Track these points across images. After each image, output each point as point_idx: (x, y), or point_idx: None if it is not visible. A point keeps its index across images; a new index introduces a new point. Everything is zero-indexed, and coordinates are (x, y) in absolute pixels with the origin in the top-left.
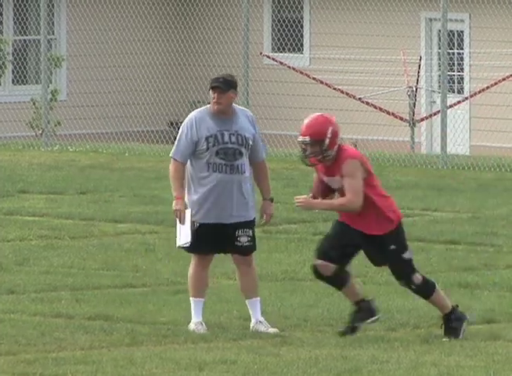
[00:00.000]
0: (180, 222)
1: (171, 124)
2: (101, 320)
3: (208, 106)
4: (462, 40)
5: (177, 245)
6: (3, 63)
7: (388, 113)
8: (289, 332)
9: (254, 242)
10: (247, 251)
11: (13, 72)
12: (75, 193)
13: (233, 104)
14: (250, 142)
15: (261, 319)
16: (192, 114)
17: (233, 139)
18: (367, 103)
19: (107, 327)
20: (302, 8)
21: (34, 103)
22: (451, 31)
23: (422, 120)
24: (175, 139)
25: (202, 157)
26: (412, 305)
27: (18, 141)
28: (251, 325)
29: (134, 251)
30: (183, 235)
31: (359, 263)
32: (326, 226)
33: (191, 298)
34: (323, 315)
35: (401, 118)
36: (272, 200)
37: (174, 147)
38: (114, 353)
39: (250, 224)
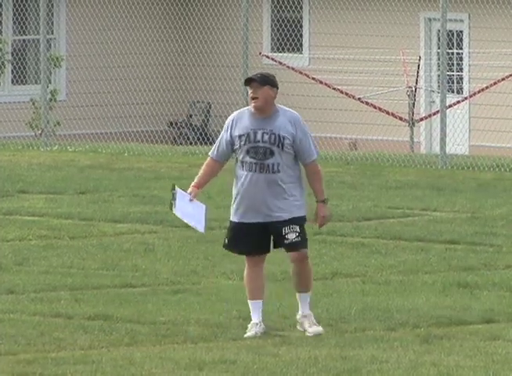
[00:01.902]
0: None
1: (171, 124)
2: (100, 320)
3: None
4: (461, 40)
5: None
6: (2, 62)
7: (388, 113)
8: (288, 332)
9: (303, 238)
10: (297, 246)
11: (13, 72)
12: (74, 193)
13: (279, 105)
14: (288, 142)
15: (308, 313)
16: (233, 114)
17: (266, 137)
18: (366, 103)
19: (107, 327)
20: (301, 8)
21: (33, 103)
22: (450, 31)
23: (421, 120)
24: (174, 139)
25: (237, 156)
26: (412, 304)
27: (17, 141)
28: (297, 317)
29: (133, 250)
30: (193, 218)
31: (359, 263)
32: (326, 226)
33: (248, 301)
34: (322, 315)
35: (400, 118)
36: (324, 201)
37: (215, 145)
38: (114, 353)
39: (296, 221)
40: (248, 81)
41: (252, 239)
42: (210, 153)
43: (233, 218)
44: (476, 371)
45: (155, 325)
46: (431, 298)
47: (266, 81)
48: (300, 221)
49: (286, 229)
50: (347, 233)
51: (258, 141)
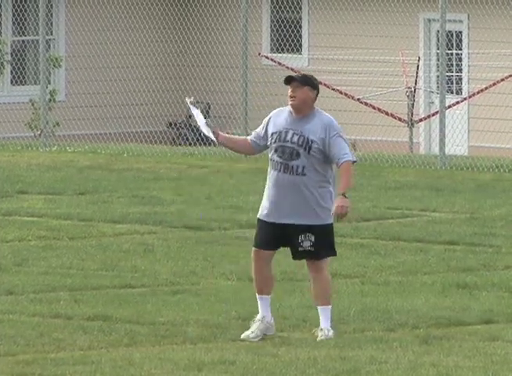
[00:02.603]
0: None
1: (170, 124)
2: (100, 321)
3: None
4: (460, 41)
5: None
6: (2, 63)
7: (387, 113)
8: (288, 333)
9: (320, 248)
10: (311, 256)
11: (12, 73)
12: (74, 194)
13: (319, 109)
14: (315, 146)
15: (324, 327)
16: (273, 111)
17: (295, 138)
18: (366, 104)
19: (106, 328)
20: (301, 8)
21: (32, 104)
22: (449, 32)
23: (420, 120)
24: (174, 139)
25: (269, 153)
26: (411, 305)
27: (17, 142)
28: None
29: (132, 251)
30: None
31: (358, 264)
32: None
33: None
34: None
35: (399, 119)
36: (343, 194)
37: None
38: (113, 354)
39: (315, 229)
40: (288, 80)
41: (266, 234)
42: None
43: (258, 214)
44: (475, 372)
45: (154, 326)
46: (430, 298)
47: (307, 82)
48: (321, 228)
49: (302, 237)
50: (347, 234)
51: (287, 141)
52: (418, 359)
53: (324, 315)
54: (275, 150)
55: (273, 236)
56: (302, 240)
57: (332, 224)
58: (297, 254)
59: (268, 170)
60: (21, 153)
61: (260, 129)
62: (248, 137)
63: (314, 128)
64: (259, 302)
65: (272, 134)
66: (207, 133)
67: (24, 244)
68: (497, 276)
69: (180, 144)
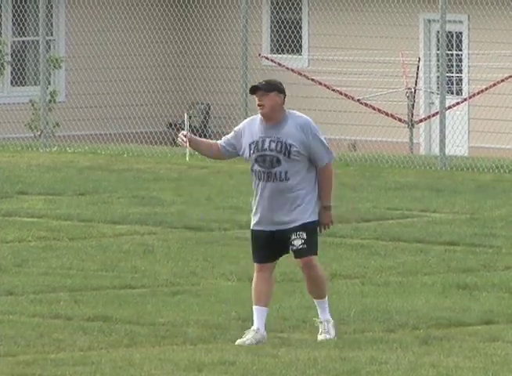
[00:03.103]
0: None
1: (170, 125)
2: (100, 321)
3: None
4: (460, 41)
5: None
6: (2, 64)
7: (387, 114)
8: (288, 333)
9: (310, 245)
10: (302, 253)
11: (12, 73)
12: (74, 195)
13: (290, 111)
14: (295, 149)
15: (325, 318)
16: (244, 121)
17: (273, 145)
18: (366, 105)
19: (106, 328)
20: (301, 9)
21: (32, 105)
22: (449, 33)
23: (421, 121)
24: (174, 140)
25: (250, 164)
26: (411, 306)
27: (17, 142)
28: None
29: (132, 252)
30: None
31: (358, 264)
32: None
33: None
34: None
35: (399, 119)
36: (327, 207)
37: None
38: (113, 354)
39: (305, 227)
40: (253, 90)
41: (263, 246)
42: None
43: (251, 225)
44: (475, 372)
45: (154, 326)
46: (431, 299)
47: (272, 88)
48: (310, 226)
49: (293, 235)
50: (347, 235)
51: (265, 149)
52: (418, 360)
53: (322, 307)
54: (256, 160)
55: (268, 246)
56: (294, 238)
57: (316, 221)
58: (292, 253)
59: (252, 181)
60: (21, 153)
61: (231, 137)
62: (218, 142)
63: (290, 132)
64: (255, 313)
65: (249, 144)
66: (179, 141)
67: (24, 244)
68: (497, 277)
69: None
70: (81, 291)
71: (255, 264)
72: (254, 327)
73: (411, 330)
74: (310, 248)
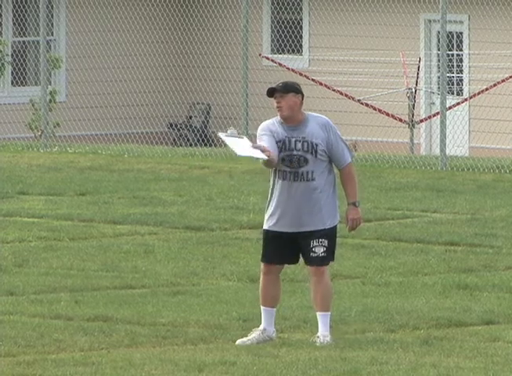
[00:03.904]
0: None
1: (171, 125)
2: (100, 322)
3: (277, 116)
4: (461, 41)
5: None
6: (2, 64)
7: (387, 114)
8: (288, 334)
9: (329, 252)
10: (323, 261)
11: (12, 73)
12: (74, 195)
13: (307, 112)
14: (321, 148)
15: (324, 334)
16: (262, 124)
17: (299, 145)
18: (366, 105)
19: (106, 329)
20: (301, 9)
21: (33, 105)
22: (450, 33)
23: (421, 121)
24: (174, 140)
25: None
26: (412, 306)
27: (17, 142)
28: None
29: (133, 252)
30: (242, 147)
31: (359, 264)
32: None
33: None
34: None
35: (400, 120)
36: (355, 204)
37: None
38: (113, 355)
39: (327, 232)
40: (271, 92)
41: (277, 248)
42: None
43: (265, 225)
44: (476, 373)
45: (155, 326)
46: (431, 299)
47: (289, 89)
48: (331, 232)
49: (314, 242)
50: (347, 235)
51: (293, 149)
52: (419, 360)
53: (323, 321)
54: (283, 160)
55: (284, 247)
56: (315, 245)
57: (337, 226)
58: (307, 260)
59: (273, 180)
60: (22, 153)
61: (268, 139)
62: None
63: (314, 131)
64: (263, 313)
65: (276, 143)
66: (255, 155)
67: (25, 244)
68: (498, 277)
69: (181, 145)
70: (81, 291)
71: (263, 265)
72: (261, 326)
73: (412, 331)
74: (329, 257)
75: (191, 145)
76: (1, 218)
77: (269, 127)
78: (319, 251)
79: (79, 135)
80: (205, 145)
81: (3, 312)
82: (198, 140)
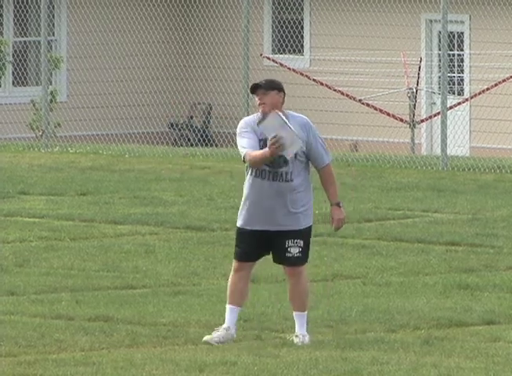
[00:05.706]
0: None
1: (172, 125)
2: (101, 322)
3: (258, 112)
4: (462, 41)
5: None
6: (3, 64)
7: (388, 114)
8: (289, 334)
9: (304, 253)
10: (298, 262)
11: (13, 73)
12: (75, 195)
13: (287, 110)
14: (301, 149)
15: (301, 333)
16: (242, 121)
17: None
18: (367, 105)
19: (107, 329)
20: (302, 9)
21: (34, 105)
22: (451, 33)
23: (422, 121)
24: (175, 140)
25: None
26: (412, 306)
27: (18, 142)
28: (293, 337)
29: (134, 252)
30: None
31: (359, 264)
32: (326, 228)
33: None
34: (323, 316)
35: (401, 120)
36: (338, 204)
37: (240, 148)
38: (114, 355)
39: (302, 233)
40: (254, 88)
41: (249, 245)
42: (245, 153)
43: (239, 223)
44: (476, 373)
45: (156, 326)
46: (432, 299)
47: (272, 86)
48: (306, 232)
49: (289, 242)
50: (348, 235)
51: None
52: (419, 360)
53: (300, 321)
54: None
55: (257, 245)
56: (290, 245)
57: (311, 226)
58: (282, 260)
59: (250, 178)
60: (23, 153)
61: (251, 137)
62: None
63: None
64: (228, 312)
65: (258, 141)
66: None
67: (26, 244)
68: (499, 277)
69: (182, 145)
70: (82, 291)
71: (236, 262)
72: (226, 325)
73: (412, 331)
74: (304, 257)
75: (192, 145)
76: (2, 218)
77: (251, 124)
78: (295, 251)
79: (80, 135)
80: (206, 145)
81: (4, 312)
82: (199, 140)
